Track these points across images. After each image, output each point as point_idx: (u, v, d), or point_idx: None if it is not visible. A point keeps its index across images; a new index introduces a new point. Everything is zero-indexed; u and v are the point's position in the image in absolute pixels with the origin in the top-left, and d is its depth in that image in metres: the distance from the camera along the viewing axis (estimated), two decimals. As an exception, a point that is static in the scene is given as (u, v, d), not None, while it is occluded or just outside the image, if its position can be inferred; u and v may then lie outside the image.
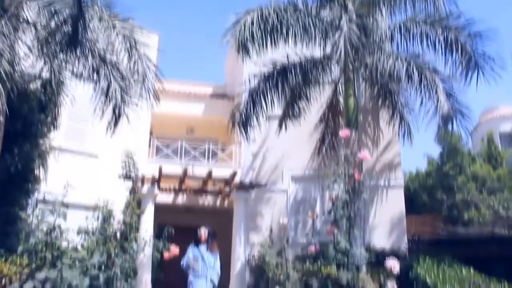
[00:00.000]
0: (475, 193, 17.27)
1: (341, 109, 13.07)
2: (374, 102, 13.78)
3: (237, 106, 12.51)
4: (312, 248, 5.39)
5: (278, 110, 13.13)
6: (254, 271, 11.81)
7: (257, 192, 13.91)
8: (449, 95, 11.22)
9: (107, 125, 9.96)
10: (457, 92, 11.20)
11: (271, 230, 12.64)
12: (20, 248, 5.26)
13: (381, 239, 13.23)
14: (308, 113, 13.08)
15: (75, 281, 4.95)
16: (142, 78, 10.26)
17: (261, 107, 12.14)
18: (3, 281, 7.89)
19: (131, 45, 9.74)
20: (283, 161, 14.34)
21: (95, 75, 10.01)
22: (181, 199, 14.40)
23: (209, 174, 12.85)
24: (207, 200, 14.66)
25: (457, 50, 11.30)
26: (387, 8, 11.76)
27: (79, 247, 6.32)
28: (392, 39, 12.15)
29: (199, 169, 14.09)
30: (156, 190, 13.07)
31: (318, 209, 13.69)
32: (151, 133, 15.63)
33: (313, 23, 11.03)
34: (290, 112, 12.86)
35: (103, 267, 6.53)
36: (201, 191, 14.11)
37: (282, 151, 14.35)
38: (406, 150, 48.77)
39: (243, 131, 12.27)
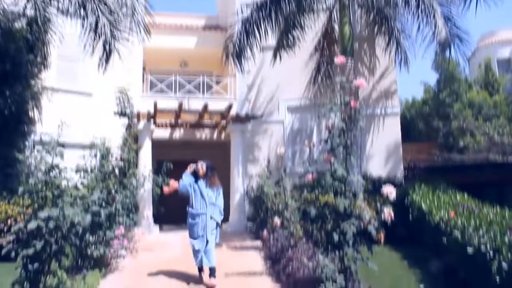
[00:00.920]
0: (471, 120, 17.34)
1: (336, 37, 12.80)
2: (370, 29, 13.46)
3: (230, 37, 12.20)
4: (309, 177, 5.42)
5: (272, 40, 12.85)
6: (253, 202, 12.05)
7: (253, 123, 13.93)
8: (447, 19, 10.93)
9: (99, 62, 9.76)
10: (456, 17, 10.90)
11: (268, 161, 12.77)
12: (20, 189, 5.28)
13: (377, 167, 13.42)
14: (302, 42, 12.80)
15: (77, 218, 5.00)
16: (131, 11, 9.94)
17: (255, 37, 11.85)
18: (9, 221, 8.05)
19: (117, -24, 9.35)
20: (279, 92, 14.25)
21: (82, 10, 9.67)
22: (178, 133, 14.43)
23: (205, 108, 12.78)
24: (204, 134, 14.70)
25: (456, -29, 10.90)
26: None
27: (79, 185, 6.36)
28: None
29: (195, 103, 14.02)
30: (152, 126, 13.05)
31: (314, 138, 13.79)
32: (144, 69, 15.42)
33: None
34: (284, 42, 12.58)
35: (104, 204, 6.62)
36: (198, 125, 14.10)
37: (278, 82, 14.23)
38: (403, 78, 48.55)
39: (237, 62, 12.06)
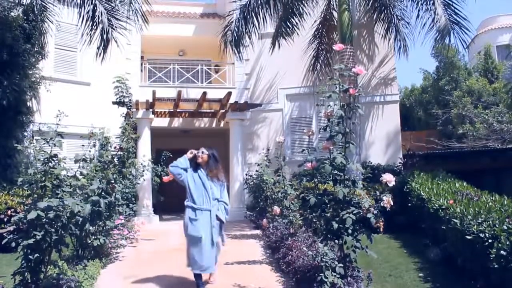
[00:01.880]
0: (470, 108, 17.32)
1: (335, 24, 12.74)
2: (369, 16, 13.39)
3: (229, 24, 12.14)
4: (308, 165, 5.42)
5: (271, 28, 12.79)
6: (252, 190, 12.07)
7: (252, 112, 13.92)
8: (447, 6, 10.86)
9: (97, 51, 9.69)
10: (456, 3, 10.82)
11: (267, 149, 12.78)
12: (20, 180, 5.27)
13: (376, 155, 13.44)
14: (301, 30, 12.74)
15: (76, 208, 5.00)
16: (128, -1, 9.86)
17: (253, 25, 11.80)
18: (9, 212, 8.06)
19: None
20: (278, 80, 14.23)
21: (78, -2, 9.60)
22: (177, 122, 14.41)
23: (204, 96, 12.75)
24: (203, 122, 14.68)
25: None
26: None
27: (78, 175, 6.35)
28: None
29: (193, 92, 14.00)
30: (151, 115, 13.03)
31: (314, 126, 13.78)
32: (142, 58, 15.37)
33: None
34: (283, 29, 12.52)
35: (103, 194, 6.62)
36: (197, 113, 14.08)
37: (276, 70, 14.20)
38: (402, 66, 48.42)
39: (235, 50, 12.01)
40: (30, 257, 4.86)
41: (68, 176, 5.70)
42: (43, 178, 5.06)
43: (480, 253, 5.17)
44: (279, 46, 12.63)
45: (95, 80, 13.34)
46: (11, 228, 6.27)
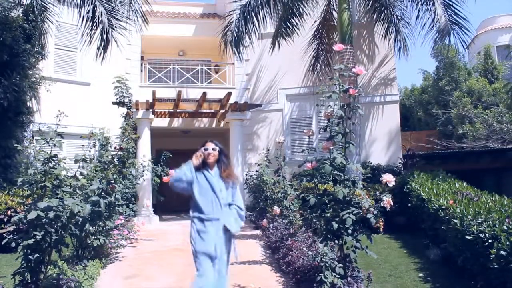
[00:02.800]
0: (470, 108, 17.32)
1: (335, 24, 12.74)
2: (369, 16, 13.39)
3: (229, 25, 12.13)
4: (308, 165, 5.41)
5: (271, 28, 12.79)
6: (252, 190, 12.07)
7: (252, 112, 13.92)
8: (447, 6, 10.86)
9: (97, 51, 9.70)
10: (455, 4, 10.82)
11: (267, 150, 12.77)
12: (20, 180, 5.27)
13: (376, 155, 13.44)
14: (301, 30, 12.74)
15: (76, 208, 5.00)
16: (128, -1, 9.87)
17: (253, 25, 11.79)
18: (9, 212, 8.06)
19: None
20: (278, 80, 14.23)
21: (78, -2, 9.60)
22: (177, 122, 14.40)
23: (204, 96, 12.74)
24: (202, 123, 14.67)
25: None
26: None
27: (78, 175, 6.35)
28: None
29: (193, 92, 14.01)
30: (151, 115, 13.02)
31: (313, 126, 13.79)
32: (142, 58, 15.37)
33: None
34: (283, 30, 12.51)
35: (103, 194, 6.62)
36: (197, 113, 14.08)
37: (276, 70, 14.21)
38: (402, 66, 48.42)
39: (235, 50, 12.00)
40: (30, 257, 4.87)
41: (68, 176, 5.71)
42: (43, 178, 5.06)
43: (480, 253, 5.17)
44: (279, 46, 12.63)
45: (95, 80, 13.35)
46: (11, 228, 6.27)
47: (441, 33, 10.79)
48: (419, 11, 11.26)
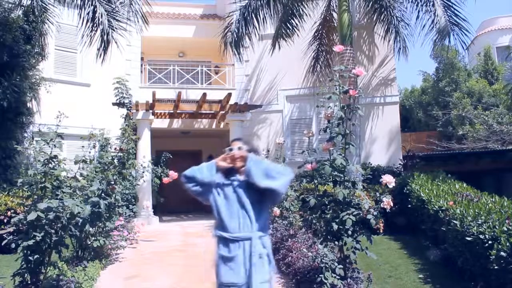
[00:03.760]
0: (470, 109, 17.33)
1: (335, 25, 12.75)
2: (369, 17, 13.40)
3: (229, 26, 12.15)
4: (308, 166, 5.41)
5: (271, 29, 12.80)
6: (252, 191, 12.04)
7: (252, 113, 13.91)
8: (447, 7, 10.88)
9: (97, 52, 9.70)
10: (455, 5, 10.84)
11: (267, 151, 12.75)
12: (20, 181, 5.27)
13: (376, 156, 13.43)
14: (301, 31, 12.75)
15: (76, 209, 4.99)
16: (129, 0, 9.86)
17: (253, 26, 11.81)
18: (9, 213, 8.06)
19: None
20: (278, 81, 14.24)
21: (78, -1, 9.61)
22: (177, 123, 14.40)
23: (204, 97, 12.74)
24: (202, 124, 14.67)
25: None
26: None
27: (78, 176, 6.35)
28: None
29: (193, 93, 14.02)
30: (151, 116, 13.02)
31: (314, 127, 13.79)
32: (142, 59, 15.38)
33: None
34: (283, 31, 12.53)
35: (103, 195, 6.61)
36: (197, 114, 14.07)
37: (276, 71, 14.21)
38: (402, 67, 48.48)
39: (235, 51, 12.01)
40: (30, 258, 4.87)
41: (68, 177, 5.71)
42: (43, 179, 5.06)
43: (480, 255, 5.16)
44: (279, 48, 12.64)
45: (95, 81, 13.36)
46: (11, 229, 6.27)
47: (441, 34, 10.80)
48: (419, 12, 11.29)
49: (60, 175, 5.24)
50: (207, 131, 15.28)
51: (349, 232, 4.93)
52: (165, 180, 6.92)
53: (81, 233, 6.20)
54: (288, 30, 12.55)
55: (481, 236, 5.18)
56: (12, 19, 10.32)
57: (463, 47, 10.99)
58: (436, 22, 10.83)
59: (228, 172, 3.37)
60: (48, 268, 5.26)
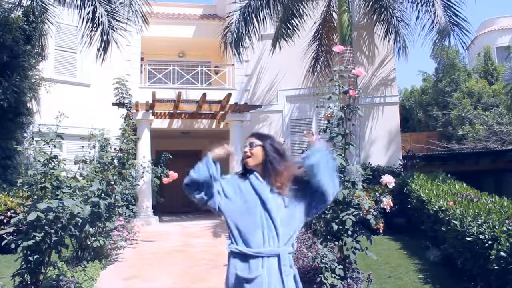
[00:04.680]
0: (470, 109, 17.34)
1: (335, 26, 12.75)
2: (369, 17, 13.40)
3: (229, 26, 12.14)
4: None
5: (271, 29, 12.80)
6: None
7: (252, 113, 13.91)
8: (447, 7, 10.87)
9: (97, 52, 9.70)
10: (456, 5, 10.83)
11: (267, 151, 12.75)
12: (20, 181, 5.27)
13: (376, 156, 13.43)
14: (301, 31, 12.74)
15: (76, 209, 5.00)
16: (129, 0, 9.87)
17: (253, 26, 11.80)
18: (9, 213, 8.06)
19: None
20: (278, 81, 14.24)
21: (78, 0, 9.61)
22: (177, 123, 14.39)
23: (204, 97, 12.73)
24: (202, 124, 14.67)
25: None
26: None
27: (78, 176, 6.35)
28: None
29: (193, 93, 14.01)
30: (151, 116, 13.02)
31: (313, 127, 13.78)
32: (142, 59, 15.38)
33: None
34: (283, 31, 12.52)
35: (103, 195, 6.61)
36: (196, 114, 14.07)
37: (276, 71, 14.21)
38: (402, 67, 48.45)
39: (235, 51, 12.01)
40: (30, 258, 4.87)
41: (68, 177, 5.71)
42: (43, 179, 5.06)
43: (480, 255, 5.16)
44: (279, 48, 12.64)
45: (95, 81, 13.36)
46: (11, 229, 6.27)
47: (441, 34, 10.80)
48: (419, 12, 11.27)
49: (60, 175, 5.25)
50: (207, 131, 15.28)
51: (349, 232, 4.93)
52: (165, 180, 6.92)
53: (81, 233, 6.20)
54: (288, 30, 12.54)
55: (481, 236, 5.18)
56: (12, 19, 10.32)
57: (463, 47, 10.98)
58: (436, 22, 10.82)
59: (246, 171, 2.76)
60: (48, 268, 5.26)
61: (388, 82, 14.04)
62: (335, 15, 12.75)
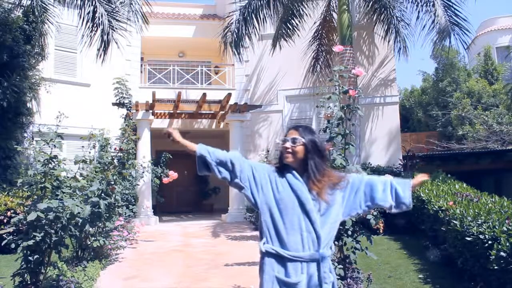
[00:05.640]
0: (470, 109, 17.34)
1: (335, 26, 12.75)
2: (369, 17, 13.40)
3: (229, 26, 12.14)
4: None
5: (271, 29, 12.80)
6: (252, 191, 12.02)
7: (252, 113, 13.91)
8: (447, 7, 10.88)
9: (97, 52, 9.70)
10: (456, 5, 10.83)
11: (267, 151, 12.77)
12: (20, 181, 5.27)
13: (376, 156, 13.43)
14: (301, 31, 12.75)
15: (76, 209, 4.99)
16: (129, 0, 9.87)
17: (253, 26, 11.80)
18: (8, 213, 8.06)
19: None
20: (278, 81, 14.24)
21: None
22: (177, 123, 14.40)
23: (204, 97, 12.74)
24: (202, 124, 14.67)
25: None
26: None
27: (78, 176, 6.34)
28: None
29: (193, 93, 14.02)
30: (151, 116, 13.02)
31: (313, 127, 13.76)
32: (142, 59, 15.38)
33: None
34: (283, 31, 12.53)
35: (103, 195, 6.61)
36: (196, 114, 14.07)
37: (276, 71, 14.21)
38: (402, 67, 48.49)
39: (235, 51, 12.00)
40: (30, 258, 4.86)
41: (68, 177, 5.70)
42: (43, 179, 5.05)
43: (480, 255, 5.16)
44: (279, 48, 12.64)
45: (95, 81, 13.36)
46: (11, 229, 6.27)
47: (441, 34, 10.80)
48: (419, 12, 11.28)
49: (60, 175, 5.24)
50: (207, 131, 15.28)
51: (349, 232, 4.93)
52: (165, 180, 6.91)
53: (81, 233, 6.19)
54: (288, 30, 12.55)
55: (481, 236, 5.18)
56: (12, 19, 10.32)
57: (463, 47, 10.99)
58: (437, 22, 10.82)
59: (283, 167, 2.58)
60: (48, 268, 5.26)
61: (388, 82, 14.04)
62: (335, 15, 12.75)
